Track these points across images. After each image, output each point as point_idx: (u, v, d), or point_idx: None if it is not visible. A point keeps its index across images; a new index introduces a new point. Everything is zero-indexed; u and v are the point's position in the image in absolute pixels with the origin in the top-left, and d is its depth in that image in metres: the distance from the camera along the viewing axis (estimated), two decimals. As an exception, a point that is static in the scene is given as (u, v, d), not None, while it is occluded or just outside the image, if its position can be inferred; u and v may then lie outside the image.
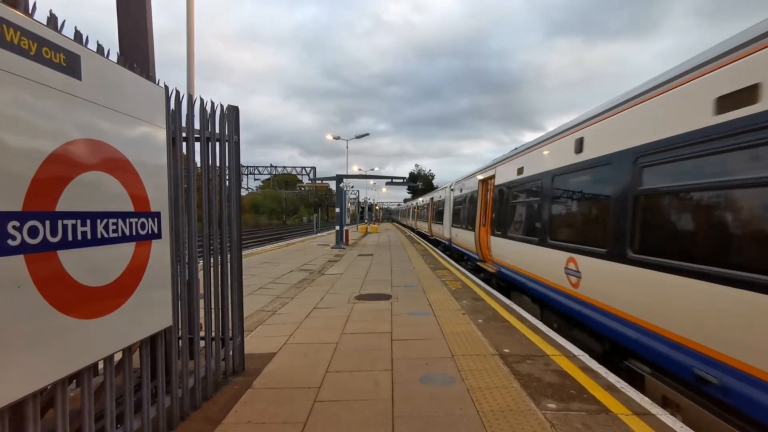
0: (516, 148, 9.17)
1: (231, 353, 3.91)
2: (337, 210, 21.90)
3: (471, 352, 4.58)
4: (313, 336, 5.28)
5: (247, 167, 48.17)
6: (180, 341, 3.16)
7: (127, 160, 2.45)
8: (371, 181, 48.76)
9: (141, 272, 2.56)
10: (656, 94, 3.97)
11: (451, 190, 17.14)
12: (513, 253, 7.99)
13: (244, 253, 7.32)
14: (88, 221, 2.13)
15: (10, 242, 1.71)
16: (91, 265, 2.15)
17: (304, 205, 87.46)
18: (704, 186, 3.31)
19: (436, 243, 22.28)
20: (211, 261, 3.68)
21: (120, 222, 2.36)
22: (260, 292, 8.29)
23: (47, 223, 1.89)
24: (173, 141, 3.05)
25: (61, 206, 1.96)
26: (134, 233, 2.49)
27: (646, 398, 3.42)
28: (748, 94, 2.86)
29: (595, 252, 4.74)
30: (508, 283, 8.61)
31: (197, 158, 3.50)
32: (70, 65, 2.05)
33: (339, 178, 21.77)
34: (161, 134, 2.84)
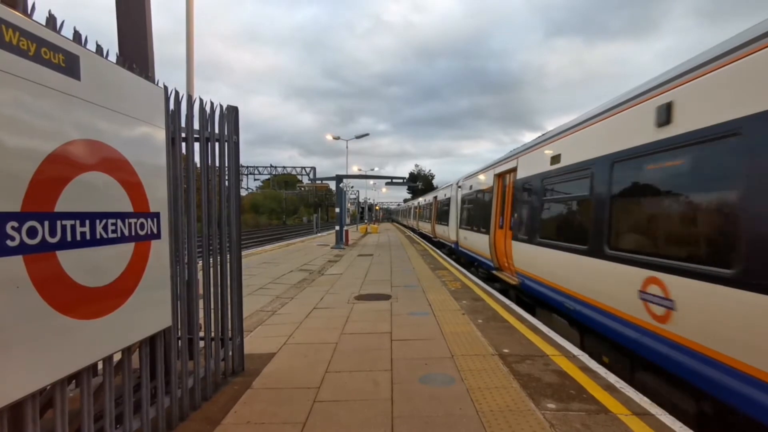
0: (544, 134, 7.45)
1: (230, 353, 3.91)
2: (337, 210, 21.92)
3: (470, 352, 4.58)
4: (312, 336, 5.28)
5: (247, 167, 48.21)
6: (179, 341, 3.16)
7: (126, 160, 2.45)
8: (371, 181, 48.82)
9: (140, 272, 2.56)
10: None
11: (459, 187, 15.20)
12: (545, 263, 6.34)
13: (243, 253, 7.33)
14: (87, 222, 2.13)
15: (9, 243, 1.71)
16: (90, 266, 2.15)
17: (304, 205, 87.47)
18: None
19: (440, 246, 20.58)
20: (211, 261, 3.68)
21: (119, 222, 2.36)
22: (260, 293, 8.29)
23: (46, 223, 1.89)
24: (172, 141, 3.05)
25: (60, 207, 1.96)
26: (133, 233, 2.49)
27: (645, 398, 3.42)
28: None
29: (709, 274, 3.08)
30: (534, 299, 6.98)
31: (197, 158, 3.51)
32: (69, 65, 2.05)
33: (339, 179, 21.79)
34: (160, 134, 2.84)
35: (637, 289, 3.91)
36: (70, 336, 2.02)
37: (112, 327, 2.32)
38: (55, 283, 1.94)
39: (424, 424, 3.04)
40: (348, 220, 33.95)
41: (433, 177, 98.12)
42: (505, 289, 8.77)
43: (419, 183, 65.11)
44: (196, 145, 3.49)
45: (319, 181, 41.66)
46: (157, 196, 2.75)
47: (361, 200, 56.46)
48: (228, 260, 3.84)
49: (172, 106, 3.08)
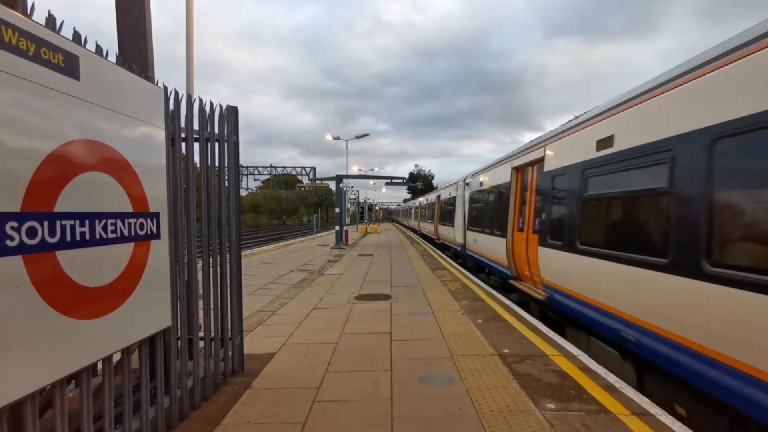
0: (579, 116, 6.18)
1: (230, 353, 3.91)
2: (337, 210, 21.92)
3: (470, 352, 4.58)
4: (312, 336, 5.28)
5: (247, 167, 48.19)
6: (179, 341, 3.16)
7: (125, 160, 2.45)
8: (371, 182, 48.82)
9: (140, 273, 2.56)
10: None
11: (466, 184, 13.58)
12: (589, 277, 4.92)
13: (243, 253, 7.33)
14: (87, 222, 2.13)
15: (9, 243, 1.71)
16: (90, 266, 2.15)
17: (304, 205, 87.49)
18: None
19: (443, 248, 19.07)
20: (211, 261, 3.68)
21: (119, 222, 2.36)
22: (260, 293, 8.29)
23: (45, 223, 1.89)
24: (172, 141, 3.05)
25: (59, 207, 1.96)
26: (133, 234, 2.49)
27: (645, 398, 3.42)
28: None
29: None
30: (567, 318, 5.71)
31: (196, 158, 3.51)
32: (69, 66, 2.05)
33: (339, 179, 21.79)
34: (160, 135, 2.84)
35: None
36: (69, 336, 2.02)
37: (112, 327, 2.32)
38: (54, 283, 1.94)
39: (424, 424, 3.04)
40: (348, 220, 33.94)
41: (433, 177, 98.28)
42: (525, 302, 7.40)
43: (419, 183, 65.16)
44: (196, 145, 3.49)
45: (319, 181, 41.65)
46: (157, 196, 2.75)
47: (361, 200, 56.47)
48: (228, 260, 3.84)
49: (171, 106, 3.08)
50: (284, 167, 53.43)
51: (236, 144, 3.94)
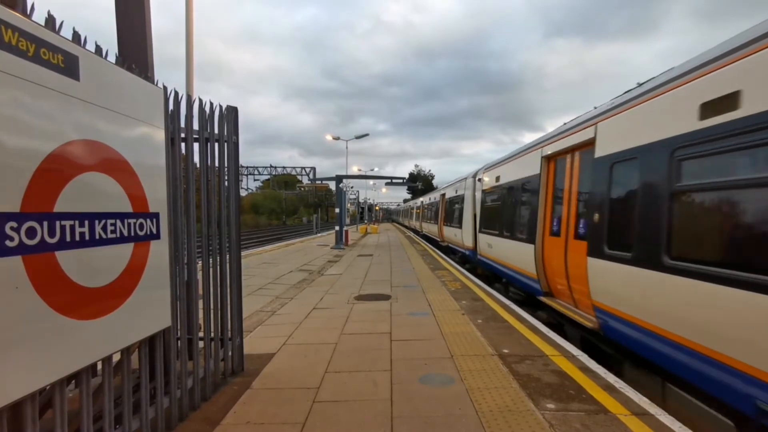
0: (668, 71, 4.21)
1: (230, 354, 3.91)
2: (337, 210, 21.92)
3: (470, 352, 4.58)
4: (312, 336, 5.28)
5: (247, 168, 48.22)
6: (179, 342, 3.16)
7: (125, 160, 2.45)
8: (371, 182, 48.81)
9: (139, 273, 2.56)
10: None
11: (478, 180, 11.98)
12: (687, 306, 3.38)
13: (243, 253, 7.33)
14: (86, 222, 2.13)
15: (8, 243, 1.71)
16: (89, 266, 2.15)
17: (304, 205, 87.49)
18: None
19: (447, 251, 17.76)
20: (210, 261, 3.68)
21: (118, 223, 2.36)
22: (259, 293, 8.29)
23: (45, 223, 1.89)
24: (172, 141, 3.05)
25: (59, 207, 1.96)
26: (132, 234, 2.49)
27: (644, 398, 3.42)
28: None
29: None
30: (628, 352, 4.38)
31: (196, 159, 3.51)
32: (68, 66, 2.05)
33: (338, 179, 21.79)
34: (160, 135, 2.84)
35: None
36: (69, 336, 2.02)
37: (112, 327, 2.32)
38: (54, 284, 1.94)
39: (424, 424, 3.05)
40: (348, 221, 33.94)
41: (432, 177, 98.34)
42: (557, 323, 6.15)
43: (419, 183, 65.19)
44: (196, 146, 3.49)
45: (319, 182, 41.65)
46: (157, 197, 2.75)
47: (360, 200, 56.48)
48: (227, 260, 3.84)
49: (171, 107, 3.08)
50: (284, 167, 53.49)
51: (236, 144, 3.94)
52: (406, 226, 49.09)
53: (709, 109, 3.32)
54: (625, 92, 5.01)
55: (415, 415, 3.17)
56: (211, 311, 3.64)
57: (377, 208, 78.66)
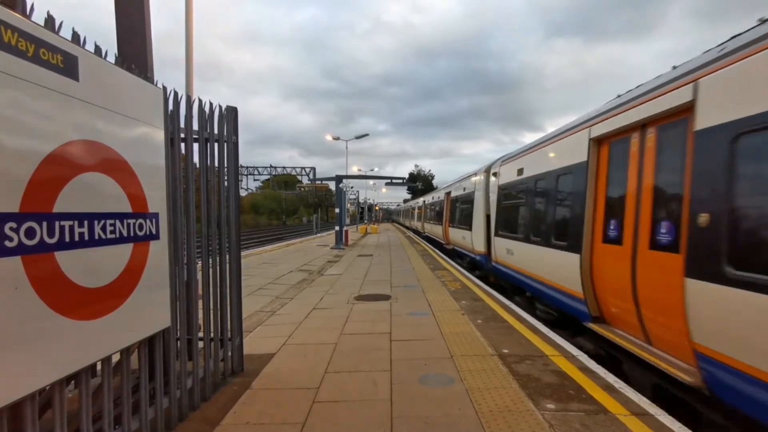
0: None
1: (230, 354, 3.91)
2: (337, 210, 21.92)
3: (470, 352, 4.58)
4: (312, 336, 5.28)
5: (247, 168, 48.24)
6: (178, 342, 3.16)
7: (124, 161, 2.45)
8: (371, 182, 48.82)
9: (139, 273, 2.56)
10: None
11: (493, 174, 10.50)
12: None
13: (243, 253, 7.33)
14: (86, 222, 2.13)
15: (8, 243, 1.71)
16: (89, 266, 2.15)
17: (304, 205, 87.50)
18: None
19: (452, 255, 16.29)
20: (210, 261, 3.68)
21: (117, 223, 2.36)
22: (259, 293, 8.29)
23: (44, 224, 1.89)
24: (171, 142, 3.05)
25: (58, 207, 1.96)
26: (132, 234, 2.49)
27: (644, 398, 3.42)
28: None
29: None
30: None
31: (196, 159, 3.51)
32: (68, 66, 2.05)
33: (338, 179, 21.79)
34: (159, 135, 2.84)
35: None
36: (68, 337, 2.02)
37: (111, 327, 2.32)
38: (53, 284, 1.94)
39: (424, 424, 3.04)
40: (348, 221, 33.93)
41: (432, 177, 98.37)
42: (608, 355, 4.86)
43: (419, 183, 65.23)
44: (195, 146, 3.49)
45: (319, 182, 41.64)
46: (156, 197, 2.75)
47: (360, 200, 56.49)
48: (227, 260, 3.84)
49: (171, 107, 3.08)
50: (284, 167, 53.52)
51: (236, 144, 3.94)
52: (406, 227, 48.97)
53: None
54: (734, 37, 3.43)
55: (415, 416, 3.17)
56: (211, 311, 3.64)
57: (377, 208, 78.69)
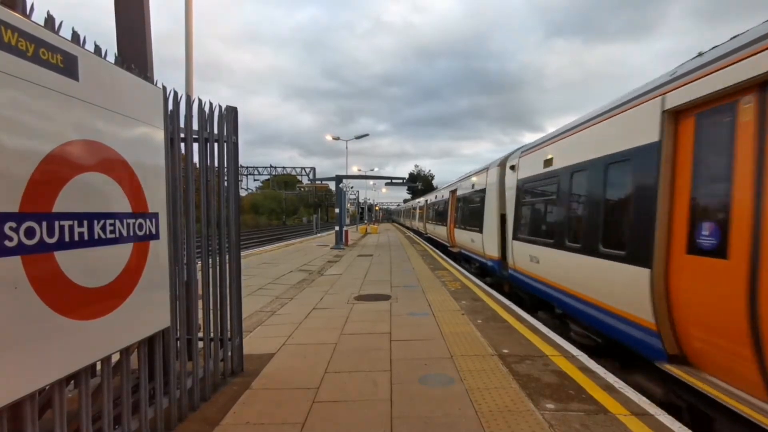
0: None
1: (230, 354, 3.91)
2: (337, 210, 21.92)
3: (470, 352, 4.58)
4: (312, 336, 5.28)
5: (247, 168, 48.24)
6: (178, 342, 3.15)
7: (124, 160, 2.45)
8: (371, 182, 48.81)
9: (139, 273, 2.55)
10: None
11: (510, 168, 8.99)
12: None
13: (243, 253, 7.33)
14: (85, 222, 2.13)
15: (7, 243, 1.71)
16: (88, 266, 2.15)
17: (304, 205, 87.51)
18: None
19: (457, 258, 14.99)
20: (210, 261, 3.68)
21: (117, 223, 2.36)
22: (259, 293, 8.29)
23: (44, 224, 1.88)
24: (171, 141, 3.05)
25: (58, 207, 1.96)
26: (132, 234, 2.49)
27: (644, 398, 3.42)
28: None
29: None
30: None
31: (195, 159, 3.51)
32: (68, 66, 2.05)
33: (338, 179, 21.79)
34: (159, 135, 2.84)
35: None
36: (68, 336, 2.02)
37: (111, 327, 2.31)
38: (53, 284, 1.94)
39: (424, 424, 3.04)
40: (348, 221, 33.92)
41: (432, 177, 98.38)
42: (688, 406, 3.63)
43: (419, 183, 65.25)
44: (195, 146, 3.49)
45: (319, 182, 41.63)
46: (156, 197, 2.74)
47: (360, 200, 56.49)
48: (227, 260, 3.84)
49: (171, 107, 3.08)
50: (284, 167, 53.56)
51: (236, 144, 3.94)
52: (407, 227, 48.78)
53: None
54: None
55: (415, 416, 3.17)
56: (211, 311, 3.64)
57: (377, 208, 78.69)
